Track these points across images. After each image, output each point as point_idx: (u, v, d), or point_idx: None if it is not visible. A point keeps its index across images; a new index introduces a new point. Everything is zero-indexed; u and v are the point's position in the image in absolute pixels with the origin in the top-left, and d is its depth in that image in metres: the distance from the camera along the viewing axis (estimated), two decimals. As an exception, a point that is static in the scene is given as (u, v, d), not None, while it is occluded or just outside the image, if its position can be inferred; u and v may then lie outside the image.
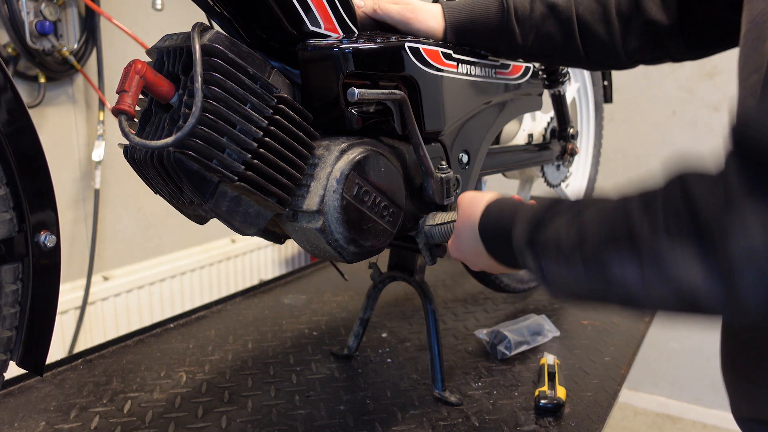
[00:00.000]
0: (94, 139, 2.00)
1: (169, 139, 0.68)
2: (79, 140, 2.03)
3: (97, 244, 2.06)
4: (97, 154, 1.97)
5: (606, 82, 1.62)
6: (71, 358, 1.16)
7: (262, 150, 0.75)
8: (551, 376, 1.04)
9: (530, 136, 1.39)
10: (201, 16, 0.85)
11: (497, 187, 1.61)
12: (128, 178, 2.14)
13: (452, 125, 0.99)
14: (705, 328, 0.60)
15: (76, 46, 1.92)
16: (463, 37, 0.98)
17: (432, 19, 0.96)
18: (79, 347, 1.96)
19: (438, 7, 0.98)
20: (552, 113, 1.40)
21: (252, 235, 0.81)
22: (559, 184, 1.48)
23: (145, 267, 2.22)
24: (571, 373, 1.10)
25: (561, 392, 0.99)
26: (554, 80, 1.29)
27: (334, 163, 0.81)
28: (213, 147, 0.71)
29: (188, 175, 0.72)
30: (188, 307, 2.24)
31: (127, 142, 0.78)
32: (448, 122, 0.97)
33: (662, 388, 2.76)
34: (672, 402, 2.74)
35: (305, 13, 0.82)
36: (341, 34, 0.86)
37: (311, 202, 0.80)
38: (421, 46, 0.90)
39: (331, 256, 0.86)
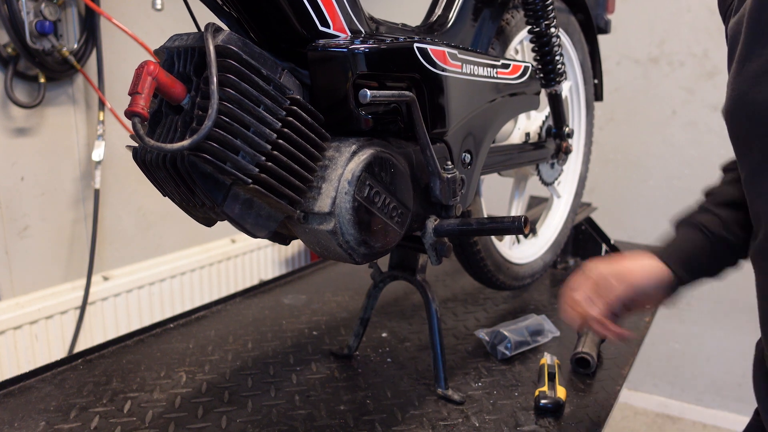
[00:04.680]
0: (94, 139, 2.00)
1: (185, 143, 0.67)
2: (79, 140, 2.03)
3: (97, 244, 2.06)
4: (97, 154, 1.97)
5: (597, 81, 1.62)
6: (71, 358, 1.16)
7: (275, 152, 0.75)
8: (551, 376, 1.04)
9: (527, 134, 1.39)
10: (200, 16, 0.85)
11: (493, 184, 1.61)
12: (128, 178, 2.14)
13: (457, 125, 0.99)
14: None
15: (76, 46, 1.92)
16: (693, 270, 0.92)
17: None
18: (79, 347, 1.96)
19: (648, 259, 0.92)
20: (546, 111, 1.40)
21: (263, 237, 0.81)
22: (554, 182, 1.48)
23: (145, 267, 2.22)
24: (571, 374, 1.10)
25: (561, 392, 0.99)
26: (551, 79, 1.29)
27: (345, 164, 0.81)
28: (227, 149, 0.71)
29: (202, 178, 0.72)
30: (188, 307, 2.24)
31: (135, 144, 0.78)
32: (453, 122, 0.97)
33: (662, 388, 2.76)
34: (672, 402, 2.74)
35: (315, 13, 0.81)
36: (349, 34, 0.86)
37: (323, 204, 0.80)
38: (429, 47, 0.90)
39: (341, 258, 0.85)
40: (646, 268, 0.90)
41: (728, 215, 0.92)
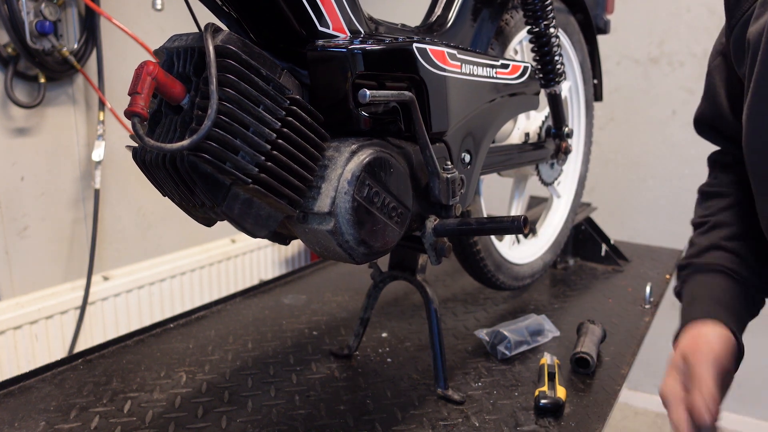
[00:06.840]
0: (94, 139, 2.00)
1: (184, 142, 0.67)
2: (79, 140, 2.03)
3: (97, 244, 2.07)
4: (97, 154, 1.97)
5: (596, 81, 1.62)
6: (71, 358, 1.16)
7: (275, 152, 0.75)
8: (551, 376, 1.04)
9: (527, 135, 1.39)
10: (200, 16, 0.85)
11: (493, 184, 1.61)
12: (128, 178, 2.14)
13: (456, 125, 0.99)
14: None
15: (76, 46, 1.92)
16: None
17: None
18: (79, 347, 1.96)
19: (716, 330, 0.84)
20: (546, 112, 1.40)
21: (263, 237, 0.81)
22: (553, 182, 1.48)
23: (145, 267, 2.22)
24: (571, 373, 1.10)
25: (561, 392, 0.99)
26: (550, 80, 1.29)
27: (345, 164, 0.81)
28: (227, 149, 0.71)
29: (201, 178, 0.72)
30: (188, 307, 2.24)
31: (135, 144, 0.78)
32: (452, 122, 0.97)
33: (662, 388, 2.76)
34: (672, 402, 2.74)
35: (314, 13, 0.82)
36: (349, 34, 0.86)
37: (322, 204, 0.80)
38: (428, 47, 0.90)
39: (341, 258, 0.85)
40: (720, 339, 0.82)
41: (743, 249, 0.85)
